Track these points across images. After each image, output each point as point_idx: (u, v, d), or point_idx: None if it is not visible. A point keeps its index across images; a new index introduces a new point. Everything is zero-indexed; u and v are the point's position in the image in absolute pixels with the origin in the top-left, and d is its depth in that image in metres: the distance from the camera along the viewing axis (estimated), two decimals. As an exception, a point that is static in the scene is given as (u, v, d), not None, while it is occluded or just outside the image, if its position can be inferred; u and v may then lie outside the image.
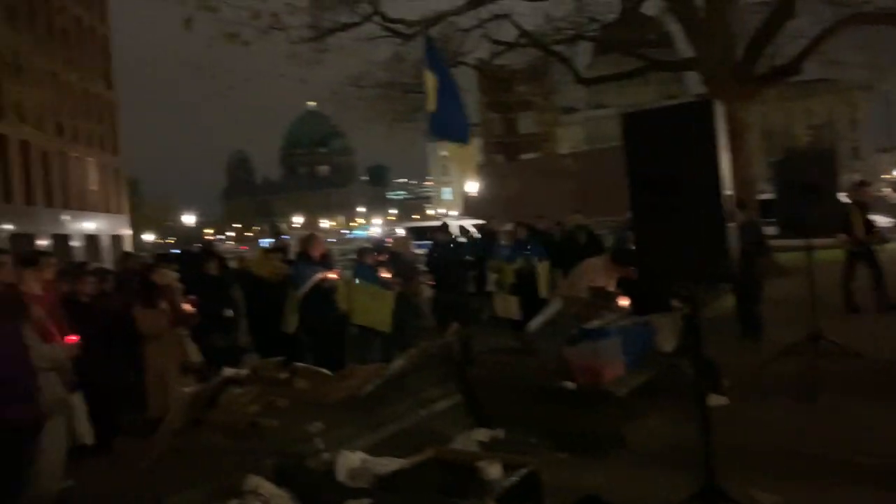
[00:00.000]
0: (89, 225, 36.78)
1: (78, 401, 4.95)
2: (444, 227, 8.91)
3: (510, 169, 53.78)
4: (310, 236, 8.09)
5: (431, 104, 7.62)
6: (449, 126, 7.97)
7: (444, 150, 9.61)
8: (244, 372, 2.58)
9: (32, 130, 26.52)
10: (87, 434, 5.00)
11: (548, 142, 56.02)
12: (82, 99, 35.46)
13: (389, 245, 10.33)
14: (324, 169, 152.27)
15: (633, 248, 3.26)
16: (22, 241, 28.49)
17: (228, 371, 2.58)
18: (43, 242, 30.95)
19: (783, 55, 15.62)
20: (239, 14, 11.56)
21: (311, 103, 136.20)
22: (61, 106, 29.12)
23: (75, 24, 35.60)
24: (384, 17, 14.47)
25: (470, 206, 35.95)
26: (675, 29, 17.65)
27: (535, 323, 5.74)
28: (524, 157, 60.14)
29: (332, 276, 7.40)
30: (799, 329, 6.49)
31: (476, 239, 11.24)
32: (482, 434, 3.86)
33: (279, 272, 8.01)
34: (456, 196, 77.75)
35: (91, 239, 36.77)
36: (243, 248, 45.68)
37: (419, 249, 9.97)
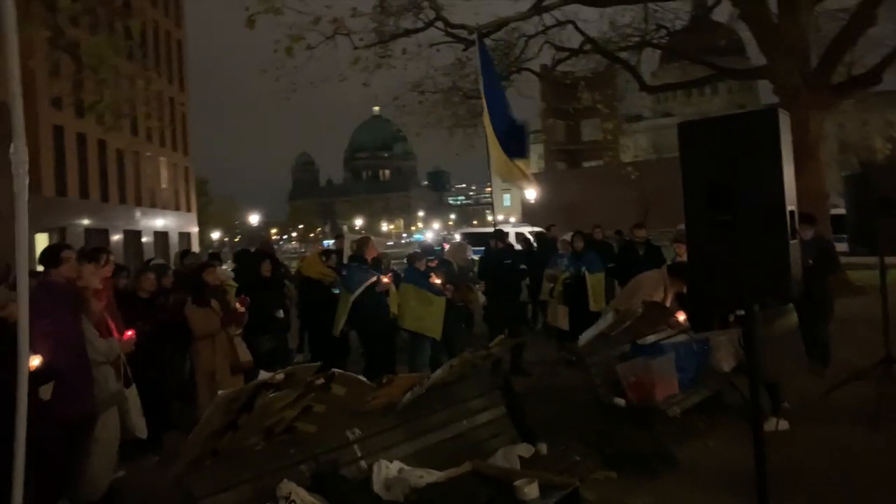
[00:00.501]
0: (159, 222, 38.17)
1: (132, 395, 5.06)
2: (499, 233, 8.77)
3: (571, 176, 53.24)
4: (363, 239, 8.11)
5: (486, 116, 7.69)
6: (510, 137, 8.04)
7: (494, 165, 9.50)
8: (280, 375, 2.56)
9: (109, 130, 27.62)
10: (140, 428, 5.10)
11: (611, 150, 55.04)
12: (156, 100, 36.85)
13: (444, 251, 10.31)
14: (386, 173, 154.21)
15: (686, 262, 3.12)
16: (96, 236, 29.78)
17: (264, 374, 2.56)
18: (116, 237, 32.27)
19: (862, 64, 14.91)
20: (303, 18, 11.73)
21: (376, 108, 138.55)
22: (136, 106, 30.25)
23: (153, 28, 37.07)
24: (446, 23, 14.50)
25: (528, 213, 35.70)
26: (746, 36, 17.07)
27: (587, 335, 5.58)
28: (586, 164, 59.33)
29: (385, 279, 7.40)
30: (870, 351, 6.15)
31: (533, 247, 11.06)
32: (524, 449, 3.76)
33: (328, 275, 8.08)
34: (514, 202, 77.39)
35: (160, 235, 38.15)
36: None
37: (476, 256, 9.90)
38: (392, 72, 15.60)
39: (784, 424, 5.18)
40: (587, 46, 18.34)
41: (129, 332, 5.00)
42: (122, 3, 28.93)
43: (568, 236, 8.75)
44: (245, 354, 5.95)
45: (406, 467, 3.11)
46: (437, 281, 7.24)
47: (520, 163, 8.79)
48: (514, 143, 8.69)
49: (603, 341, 5.57)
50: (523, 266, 8.60)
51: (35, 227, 23.31)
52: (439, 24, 14.53)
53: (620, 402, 5.33)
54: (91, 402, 4.56)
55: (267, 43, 12.74)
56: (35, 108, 23.73)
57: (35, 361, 3.93)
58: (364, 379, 2.90)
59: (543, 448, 3.90)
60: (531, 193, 35.10)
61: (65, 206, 27.48)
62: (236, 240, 72.88)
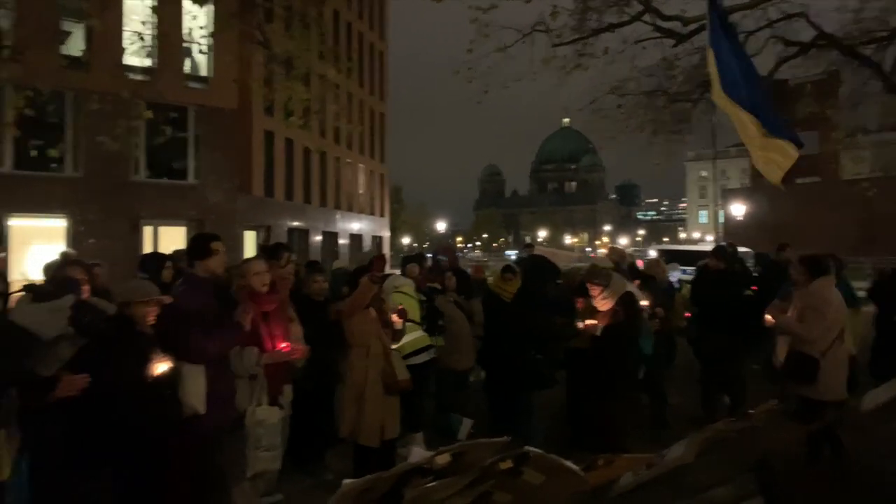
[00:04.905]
0: (355, 225, 39.99)
1: (271, 417, 4.48)
2: (720, 251, 7.30)
3: (782, 193, 48.10)
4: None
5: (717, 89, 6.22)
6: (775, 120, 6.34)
7: (751, 147, 7.18)
8: (445, 458, 1.70)
9: (318, 138, 29.26)
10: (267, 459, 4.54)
11: (831, 164, 49.01)
12: (358, 109, 38.69)
13: (641, 268, 9.02)
14: (572, 185, 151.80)
15: None
16: (299, 236, 31.70)
17: (417, 454, 1.72)
18: (316, 238, 34.19)
19: None
20: (499, 18, 11.04)
21: (566, 120, 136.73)
22: (341, 115, 31.89)
23: (358, 40, 39.00)
24: (658, 14, 13.05)
25: (732, 232, 32.54)
26: None
27: (878, 395, 4.13)
28: (800, 181, 53.47)
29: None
30: None
31: (753, 270, 9.38)
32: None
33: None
34: (712, 220, 71.97)
35: (355, 238, 39.94)
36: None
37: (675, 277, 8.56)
38: (585, 78, 14.46)
39: None
40: (821, 41, 15.88)
41: (284, 345, 4.43)
42: (330, 14, 30.68)
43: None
44: (403, 372, 5.19)
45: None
46: (645, 303, 6.03)
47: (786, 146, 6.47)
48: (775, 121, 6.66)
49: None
50: (749, 291, 7.09)
51: (244, 225, 25.12)
52: (648, 17, 13.11)
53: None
54: (230, 414, 4.03)
55: (461, 45, 12.26)
56: (250, 114, 25.58)
57: (163, 367, 3.44)
58: (571, 465, 1.93)
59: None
60: (738, 209, 31.96)
61: (272, 206, 29.43)
62: (425, 245, 75.15)
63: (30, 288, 3.12)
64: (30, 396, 1.86)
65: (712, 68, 6.42)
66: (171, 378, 3.49)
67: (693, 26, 13.13)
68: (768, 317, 5.40)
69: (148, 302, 3.51)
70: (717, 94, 6.43)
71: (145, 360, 3.38)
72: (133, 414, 3.33)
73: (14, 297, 2.24)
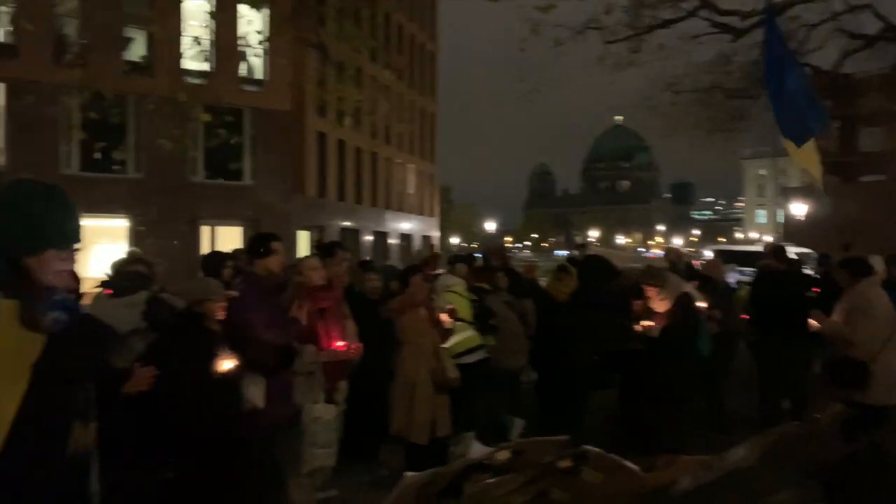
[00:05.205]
0: (405, 225, 40.31)
1: (326, 414, 4.55)
2: (779, 251, 7.07)
3: (847, 192, 46.28)
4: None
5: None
6: (795, 122, 6.28)
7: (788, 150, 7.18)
8: (504, 454, 1.71)
9: (369, 139, 29.67)
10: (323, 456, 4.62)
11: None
12: (409, 110, 38.98)
13: (700, 268, 8.83)
14: (625, 184, 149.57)
15: None
16: (350, 236, 32.13)
17: (478, 448, 1.73)
18: (367, 238, 34.61)
19: None
20: (551, 16, 10.94)
21: (618, 118, 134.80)
22: (392, 116, 32.23)
23: (409, 41, 39.27)
24: (716, 9, 12.74)
25: (793, 232, 31.55)
26: None
27: None
28: (865, 178, 51.46)
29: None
30: None
31: (816, 272, 9.06)
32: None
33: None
34: (770, 220, 69.83)
35: (405, 237, 40.26)
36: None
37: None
38: (639, 75, 14.21)
39: None
40: (888, 34, 15.28)
41: (340, 343, 4.50)
42: (382, 17, 30.98)
43: (877, 261, 6.78)
44: (453, 371, 5.24)
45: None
46: (703, 305, 5.90)
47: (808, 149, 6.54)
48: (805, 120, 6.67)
49: None
50: (812, 294, 6.84)
51: (298, 225, 25.58)
52: (704, 12, 12.82)
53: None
54: (287, 410, 4.12)
55: (511, 50, 12.23)
56: (303, 116, 26.05)
57: (229, 364, 3.53)
58: (631, 465, 1.91)
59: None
60: (799, 208, 30.85)
61: (324, 206, 29.90)
62: (474, 245, 75.20)
63: (106, 284, 3.27)
64: (104, 388, 1.96)
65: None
66: (236, 374, 3.59)
67: (751, 20, 12.80)
68: (812, 321, 5.25)
69: (216, 299, 3.64)
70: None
71: (213, 356, 3.50)
72: (199, 408, 3.44)
73: (90, 293, 2.36)
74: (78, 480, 2.03)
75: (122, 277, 2.52)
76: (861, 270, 5.18)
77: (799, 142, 6.49)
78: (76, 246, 1.99)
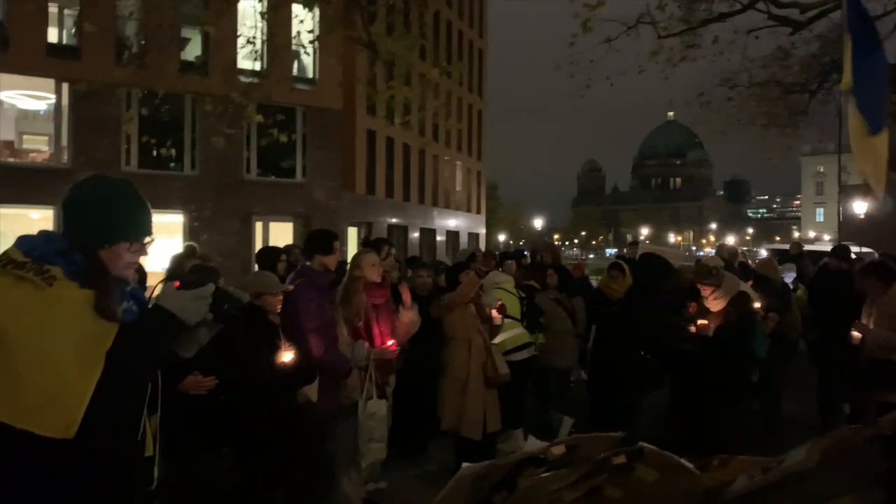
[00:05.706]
0: (452, 222, 40.39)
1: (380, 410, 4.60)
2: (842, 250, 6.84)
3: (911, 189, 44.44)
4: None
5: (848, 78, 5.79)
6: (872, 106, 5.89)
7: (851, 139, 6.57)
8: (560, 448, 1.72)
9: (418, 136, 29.81)
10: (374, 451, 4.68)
11: (968, 158, 44.78)
12: (457, 107, 39.03)
13: (754, 267, 8.61)
14: (677, 181, 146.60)
15: None
16: (398, 232, 32.39)
17: (533, 444, 1.74)
18: (414, 234, 34.82)
19: None
20: (602, 10, 10.77)
21: (670, 113, 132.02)
22: (440, 113, 32.34)
23: (458, 39, 39.31)
24: (773, 2, 12.34)
25: (854, 232, 30.46)
26: None
27: None
28: (932, 176, 49.25)
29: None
30: None
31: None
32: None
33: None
34: (829, 219, 67.48)
35: (452, 234, 40.35)
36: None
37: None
38: (692, 70, 13.85)
39: None
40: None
41: (391, 342, 4.55)
42: (432, 15, 31.06)
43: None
44: (503, 366, 5.25)
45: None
46: (758, 305, 5.76)
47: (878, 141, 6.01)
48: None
49: None
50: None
51: (348, 221, 25.92)
52: (761, 4, 12.43)
53: None
54: (337, 404, 4.20)
55: (560, 45, 12.11)
56: (353, 114, 26.35)
57: (288, 356, 3.63)
58: (687, 463, 1.89)
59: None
60: (861, 206, 29.70)
61: (373, 203, 30.21)
62: (521, 243, 74.80)
63: (174, 276, 3.40)
64: (166, 379, 2.04)
65: (847, 56, 5.99)
66: (294, 367, 3.69)
67: (811, 13, 12.35)
68: (855, 333, 5.08)
69: (274, 293, 3.77)
70: (847, 84, 6.00)
71: (274, 348, 3.61)
72: (260, 399, 3.56)
73: (157, 285, 2.46)
74: (144, 469, 2.11)
75: (191, 270, 2.62)
76: (889, 273, 5.03)
77: (875, 128, 6.01)
78: (147, 239, 2.08)
